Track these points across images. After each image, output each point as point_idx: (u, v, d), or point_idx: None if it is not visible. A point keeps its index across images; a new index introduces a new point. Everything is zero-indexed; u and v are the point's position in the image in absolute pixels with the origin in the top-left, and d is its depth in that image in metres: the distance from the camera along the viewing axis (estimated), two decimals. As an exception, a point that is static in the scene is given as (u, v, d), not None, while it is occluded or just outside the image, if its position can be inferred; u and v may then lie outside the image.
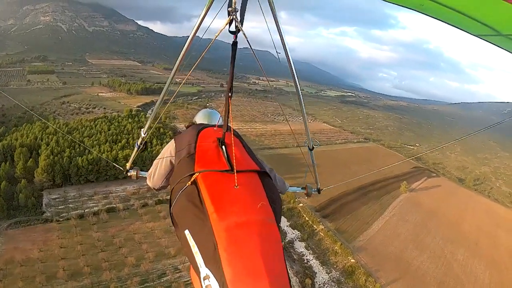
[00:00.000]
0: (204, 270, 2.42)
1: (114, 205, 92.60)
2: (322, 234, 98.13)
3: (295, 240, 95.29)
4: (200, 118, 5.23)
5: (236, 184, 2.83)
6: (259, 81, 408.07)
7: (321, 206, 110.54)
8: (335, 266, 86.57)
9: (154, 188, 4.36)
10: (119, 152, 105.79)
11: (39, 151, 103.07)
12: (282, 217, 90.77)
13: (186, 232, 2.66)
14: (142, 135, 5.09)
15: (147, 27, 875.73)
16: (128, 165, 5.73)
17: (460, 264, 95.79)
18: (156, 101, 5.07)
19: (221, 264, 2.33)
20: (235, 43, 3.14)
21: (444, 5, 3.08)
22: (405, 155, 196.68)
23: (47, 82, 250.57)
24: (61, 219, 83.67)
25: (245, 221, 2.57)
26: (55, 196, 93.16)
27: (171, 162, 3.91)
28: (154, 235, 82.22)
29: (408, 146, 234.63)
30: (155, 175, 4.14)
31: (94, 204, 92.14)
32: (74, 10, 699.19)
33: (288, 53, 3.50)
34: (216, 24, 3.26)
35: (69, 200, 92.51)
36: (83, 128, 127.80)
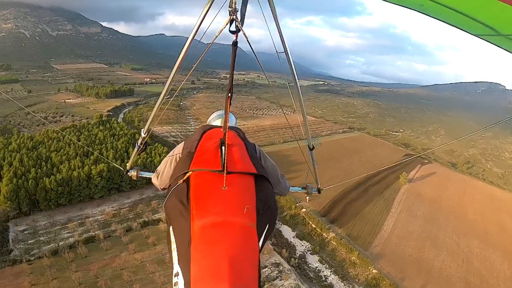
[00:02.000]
0: (176, 267, 2.47)
1: (93, 234, 78.29)
2: (334, 243, 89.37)
3: (307, 253, 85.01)
4: (212, 119, 5.03)
5: (224, 185, 2.82)
6: (228, 75, 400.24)
7: (325, 210, 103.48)
8: (356, 280, 77.96)
9: (160, 188, 4.18)
10: (92, 167, 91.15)
11: (1, 173, 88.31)
12: (287, 227, 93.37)
13: (170, 228, 2.73)
14: (142, 135, 5.01)
15: (112, 28, 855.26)
16: (128, 165, 5.76)
17: (479, 258, 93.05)
18: (156, 102, 4.94)
19: (190, 262, 2.37)
20: (235, 43, 3.12)
21: (444, 5, 3.15)
22: (392, 143, 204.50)
23: (11, 92, 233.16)
24: (32, 258, 69.13)
25: (222, 221, 2.56)
26: (22, 227, 78.48)
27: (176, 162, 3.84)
28: (146, 269, 67.69)
29: (393, 133, 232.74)
30: (163, 174, 4.01)
31: (69, 234, 77.82)
32: (36, 15, 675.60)
33: (289, 53, 3.53)
34: (216, 24, 3.28)
35: (40, 232, 77.90)
36: (50, 141, 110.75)
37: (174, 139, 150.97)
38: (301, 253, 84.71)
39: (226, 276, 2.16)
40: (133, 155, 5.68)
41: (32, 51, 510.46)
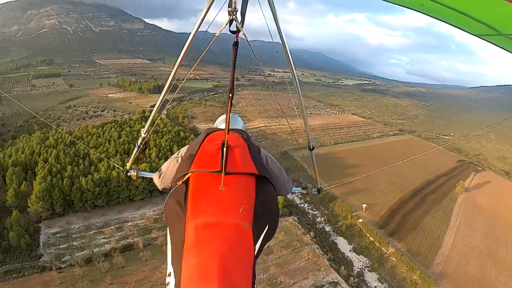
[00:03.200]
0: (169, 267, 2.48)
1: (131, 241, 71.95)
2: (394, 259, 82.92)
3: (365, 270, 78.88)
4: (219, 122, 5.01)
5: (222, 185, 2.80)
6: (274, 72, 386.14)
7: (383, 221, 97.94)
8: (419, 303, 73.26)
9: (161, 188, 4.08)
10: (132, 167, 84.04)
11: (36, 169, 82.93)
12: (343, 239, 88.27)
13: (168, 229, 2.76)
14: (143, 135, 5.03)
15: (155, 25, 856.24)
16: (128, 165, 5.70)
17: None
18: (157, 101, 4.77)
19: (182, 263, 2.36)
20: (236, 43, 3.03)
21: (444, 5, 3.16)
22: (444, 147, 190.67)
23: (52, 86, 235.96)
24: (63, 266, 63.07)
25: (215, 222, 2.54)
26: (55, 229, 72.59)
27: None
28: (190, 284, 61.25)
29: (443, 136, 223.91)
30: (166, 174, 3.91)
31: (105, 240, 71.70)
32: (79, 12, 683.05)
33: (289, 53, 3.43)
34: (217, 24, 3.23)
35: (73, 236, 72.04)
36: (89, 136, 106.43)
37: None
38: (358, 270, 78.44)
39: (215, 276, 2.16)
40: (133, 155, 5.60)
41: (75, 47, 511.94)
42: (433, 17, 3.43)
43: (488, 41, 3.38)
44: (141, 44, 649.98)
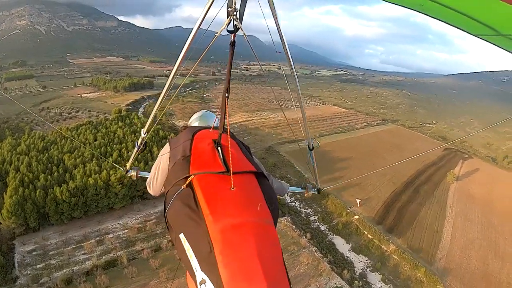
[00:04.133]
0: (200, 274, 2.42)
1: (115, 255, 64.86)
2: (396, 257, 79.44)
3: (366, 270, 74.85)
4: (195, 121, 5.03)
5: (233, 186, 2.81)
6: (250, 66, 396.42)
7: (379, 216, 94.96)
8: (429, 303, 70.40)
9: (156, 195, 4.16)
10: (111, 172, 77.62)
11: (7, 180, 75.93)
12: (340, 238, 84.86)
13: (181, 235, 2.64)
14: (142, 135, 5.10)
15: (128, 22, 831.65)
16: (128, 165, 5.89)
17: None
18: (158, 98, 4.82)
19: (217, 267, 2.34)
20: (233, 43, 3.13)
21: (444, 5, 3.17)
22: (429, 136, 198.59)
23: (25, 88, 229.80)
24: (41, 288, 56.45)
25: (240, 222, 2.55)
26: (30, 247, 65.23)
27: (167, 166, 3.67)
28: (184, 303, 54.53)
29: (427, 125, 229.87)
30: (155, 182, 3.90)
31: (85, 256, 64.47)
32: (51, 11, 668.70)
33: (289, 53, 3.61)
34: (217, 24, 3.29)
35: (50, 253, 64.58)
36: (63, 140, 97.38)
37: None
38: (360, 271, 74.63)
39: (260, 277, 2.20)
40: (133, 155, 5.74)
41: (47, 47, 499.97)
42: (433, 17, 3.42)
43: (488, 41, 3.36)
44: (115, 42, 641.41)
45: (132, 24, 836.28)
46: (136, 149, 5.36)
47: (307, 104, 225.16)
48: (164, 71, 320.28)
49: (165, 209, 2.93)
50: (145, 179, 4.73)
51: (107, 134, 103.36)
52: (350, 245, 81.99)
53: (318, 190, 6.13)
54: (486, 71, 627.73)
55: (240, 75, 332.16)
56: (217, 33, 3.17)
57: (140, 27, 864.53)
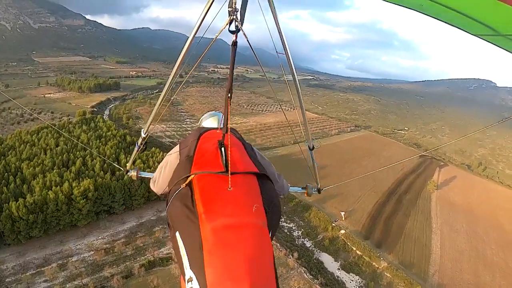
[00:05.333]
0: (188, 272, 2.45)
1: (80, 283, 55.96)
2: (388, 275, 75.60)
3: None
4: (205, 121, 5.14)
5: (230, 186, 2.82)
6: (217, 69, 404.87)
7: (366, 230, 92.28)
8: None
9: (159, 194, 4.19)
10: (73, 184, 69.24)
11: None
12: (327, 255, 79.84)
13: (177, 233, 2.69)
14: (143, 135, 5.17)
15: (96, 21, 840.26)
16: (128, 165, 5.89)
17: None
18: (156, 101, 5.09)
19: (204, 266, 2.36)
20: (235, 43, 3.15)
21: (443, 5, 3.20)
22: (403, 142, 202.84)
23: None
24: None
25: (233, 223, 2.56)
26: (-17, 272, 56.70)
27: (175, 165, 3.77)
28: None
29: (399, 131, 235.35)
30: (160, 180, 4.01)
31: (46, 284, 55.55)
32: (18, 7, 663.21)
33: (289, 53, 3.67)
34: (217, 24, 3.51)
35: (7, 280, 55.76)
36: (22, 145, 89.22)
37: (170, 139, 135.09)
38: None
39: (246, 277, 2.19)
40: (133, 155, 5.78)
41: (13, 44, 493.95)
42: (433, 17, 3.46)
43: (488, 41, 3.41)
44: (81, 41, 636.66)
45: (100, 23, 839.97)
46: (136, 149, 5.37)
47: (278, 109, 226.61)
48: (131, 73, 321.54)
49: (167, 207, 3.00)
50: (145, 179, 5.20)
51: (70, 139, 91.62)
52: (339, 262, 77.03)
53: (319, 190, 6.15)
54: (451, 78, 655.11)
55: (208, 78, 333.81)
56: (219, 33, 3.19)
57: (107, 26, 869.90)
